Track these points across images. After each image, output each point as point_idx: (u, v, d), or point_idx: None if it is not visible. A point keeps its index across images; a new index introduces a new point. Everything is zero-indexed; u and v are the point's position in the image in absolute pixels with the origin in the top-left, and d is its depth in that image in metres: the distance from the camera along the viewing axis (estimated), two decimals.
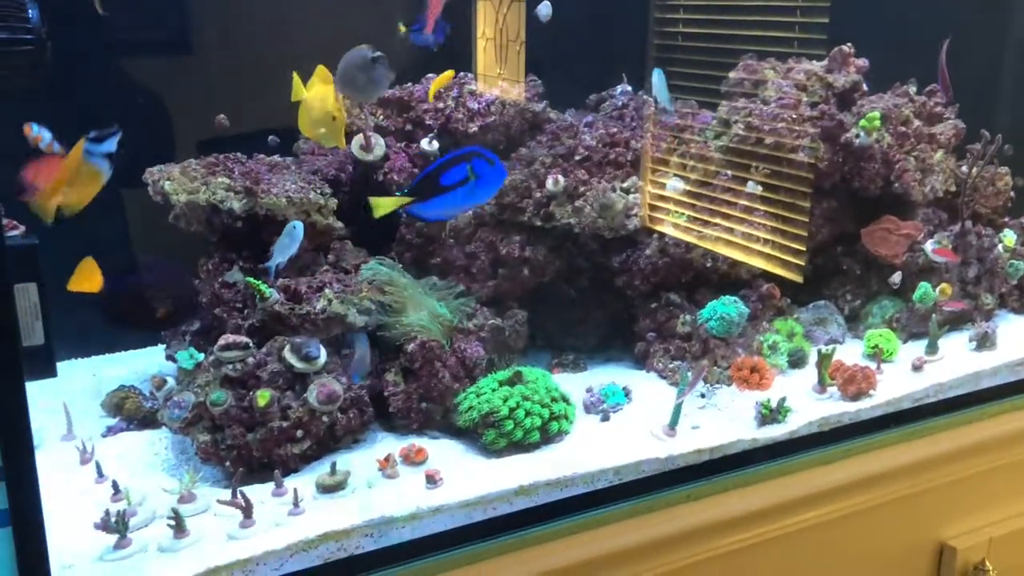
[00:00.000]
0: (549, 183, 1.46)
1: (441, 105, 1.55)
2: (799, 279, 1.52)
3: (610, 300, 1.58)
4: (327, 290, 1.31)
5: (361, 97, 1.40)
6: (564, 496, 1.22)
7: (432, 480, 1.18)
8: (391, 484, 1.20)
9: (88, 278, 1.19)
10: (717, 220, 1.51)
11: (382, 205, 1.28)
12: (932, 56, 1.80)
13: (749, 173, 1.53)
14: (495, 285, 1.48)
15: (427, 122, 1.54)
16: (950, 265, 1.59)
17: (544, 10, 1.45)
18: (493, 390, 1.31)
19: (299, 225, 1.29)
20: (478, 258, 1.48)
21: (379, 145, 1.48)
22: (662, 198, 1.54)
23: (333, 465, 1.20)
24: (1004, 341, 1.57)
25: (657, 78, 1.52)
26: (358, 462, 1.25)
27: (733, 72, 1.67)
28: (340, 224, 1.42)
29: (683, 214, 1.49)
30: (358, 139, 1.47)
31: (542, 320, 1.57)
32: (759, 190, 1.51)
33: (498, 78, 1.61)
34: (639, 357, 1.54)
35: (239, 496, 1.11)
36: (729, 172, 1.55)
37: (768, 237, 1.48)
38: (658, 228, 1.52)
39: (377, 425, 1.35)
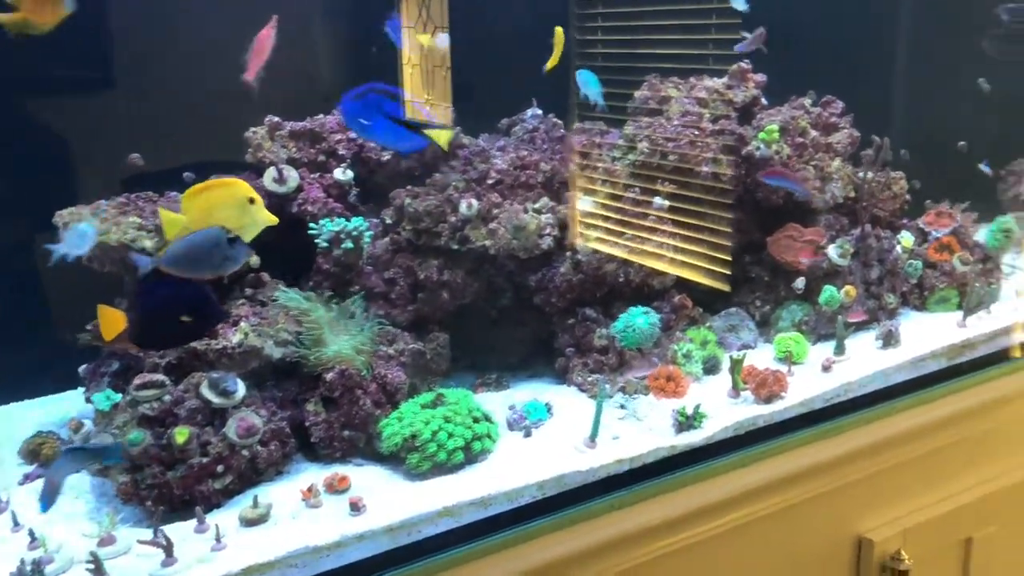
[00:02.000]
0: (463, 207, 1.49)
1: (353, 135, 1.56)
2: (726, 288, 1.57)
3: (530, 318, 1.61)
4: (243, 323, 1.31)
5: (208, 275, 1.19)
6: (488, 514, 1.23)
7: (356, 507, 1.19)
8: (315, 514, 1.20)
9: (111, 323, 1.14)
10: (641, 236, 1.55)
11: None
12: (828, 69, 1.89)
13: (657, 189, 1.58)
14: (415, 309, 1.50)
15: (340, 152, 1.56)
16: (853, 268, 1.66)
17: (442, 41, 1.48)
18: (415, 414, 1.32)
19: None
20: (397, 284, 1.50)
21: (292, 177, 1.49)
22: (591, 215, 1.58)
23: (255, 498, 1.20)
24: (908, 338, 1.64)
25: (583, 76, 1.55)
26: (281, 494, 1.25)
27: (638, 91, 1.73)
28: (256, 257, 1.42)
29: (596, 229, 1.53)
30: (270, 172, 1.48)
31: (465, 341, 1.59)
32: (666, 205, 1.56)
33: (425, 103, 1.63)
34: (560, 372, 1.57)
35: (160, 535, 1.11)
36: (638, 188, 1.59)
37: (692, 248, 1.53)
38: (590, 245, 1.55)
39: (301, 456, 1.35)
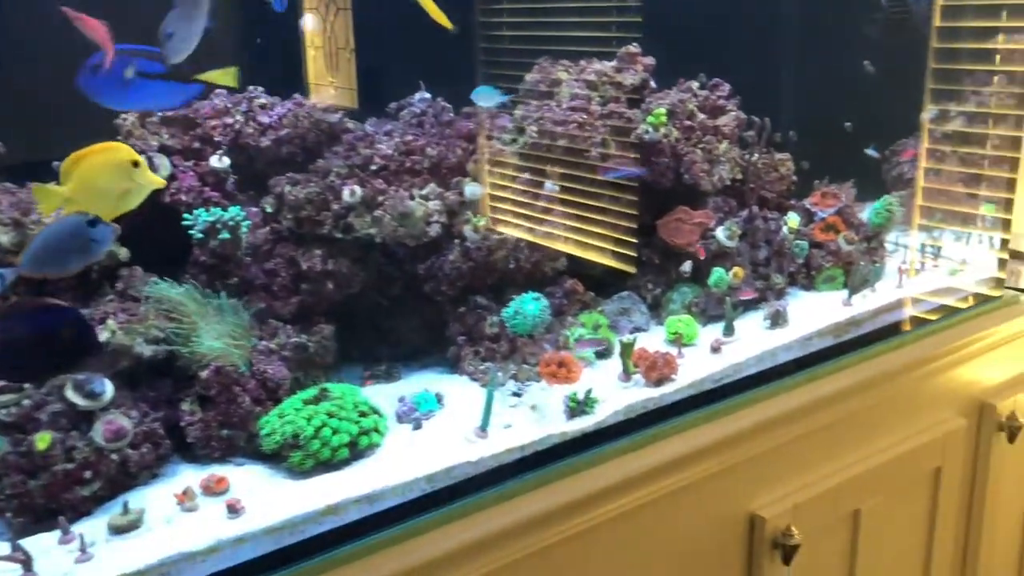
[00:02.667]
0: (346, 194, 1.44)
1: (230, 120, 1.50)
2: (632, 269, 1.57)
3: (422, 307, 1.58)
4: (110, 321, 1.24)
5: (77, 266, 1.11)
6: (375, 511, 1.20)
7: (234, 509, 1.14)
8: (190, 518, 1.14)
9: None
10: (533, 221, 1.54)
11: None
12: (717, 51, 1.91)
13: (547, 174, 1.57)
14: (299, 301, 1.45)
15: (216, 138, 1.49)
16: (741, 249, 1.67)
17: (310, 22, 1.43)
18: (297, 410, 1.27)
19: None
20: (278, 275, 1.44)
21: (164, 166, 1.41)
22: (481, 200, 1.56)
23: (125, 504, 1.13)
24: (795, 317, 1.67)
25: (480, 94, 1.52)
26: (155, 498, 1.18)
27: (529, 74, 1.71)
28: (125, 250, 1.35)
29: (483, 218, 1.50)
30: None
31: (354, 332, 1.54)
32: (557, 189, 1.54)
33: (330, 86, 1.59)
34: (452, 362, 1.54)
35: (17, 549, 1.04)
36: (528, 173, 1.58)
37: (591, 230, 1.53)
38: (480, 231, 1.53)
39: (178, 458, 1.29)
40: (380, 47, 1.60)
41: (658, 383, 1.46)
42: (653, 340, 1.59)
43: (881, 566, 1.64)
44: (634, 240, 1.61)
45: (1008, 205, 1.85)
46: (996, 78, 1.91)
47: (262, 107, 1.54)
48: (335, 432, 1.26)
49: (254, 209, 1.48)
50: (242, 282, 1.43)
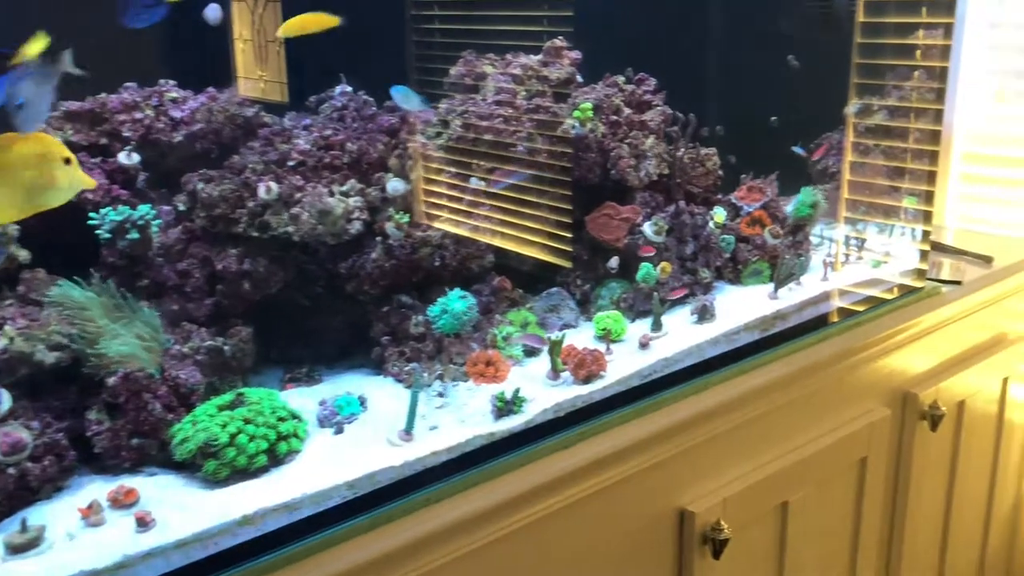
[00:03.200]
0: (261, 191, 1.39)
1: (139, 115, 1.44)
2: (568, 264, 1.55)
3: (345, 307, 1.54)
4: (7, 327, 1.17)
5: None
6: (293, 520, 1.16)
7: (143, 523, 1.08)
8: (96, 533, 1.08)
9: None
10: (458, 216, 1.51)
11: None
12: (646, 46, 1.90)
13: (473, 169, 1.54)
14: (214, 303, 1.40)
15: (124, 134, 1.43)
16: (668, 244, 1.67)
17: (212, 13, 1.38)
18: (211, 416, 1.22)
19: None
20: (192, 275, 1.39)
21: None
22: (405, 197, 1.52)
23: (23, 521, 1.07)
24: (722, 311, 1.67)
25: (399, 93, 1.48)
26: (58, 513, 1.12)
27: (453, 68, 1.68)
28: (25, 252, 1.28)
29: (407, 215, 1.47)
30: None
31: (274, 334, 1.50)
32: (482, 185, 1.52)
33: (259, 80, 1.53)
34: (376, 362, 1.50)
35: None
36: (453, 168, 1.55)
37: (526, 227, 1.51)
38: (404, 228, 1.49)
39: (85, 469, 1.23)
40: (310, 40, 1.55)
41: (587, 380, 1.44)
42: (582, 337, 1.58)
43: (809, 556, 1.66)
44: (563, 235, 1.59)
45: (929, 198, 1.89)
46: (917, 73, 1.95)
47: (174, 101, 1.47)
48: (252, 439, 1.21)
49: (166, 208, 1.43)
50: (153, 284, 1.37)
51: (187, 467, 1.23)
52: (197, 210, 1.41)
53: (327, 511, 1.18)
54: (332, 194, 1.42)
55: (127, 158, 1.40)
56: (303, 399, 1.39)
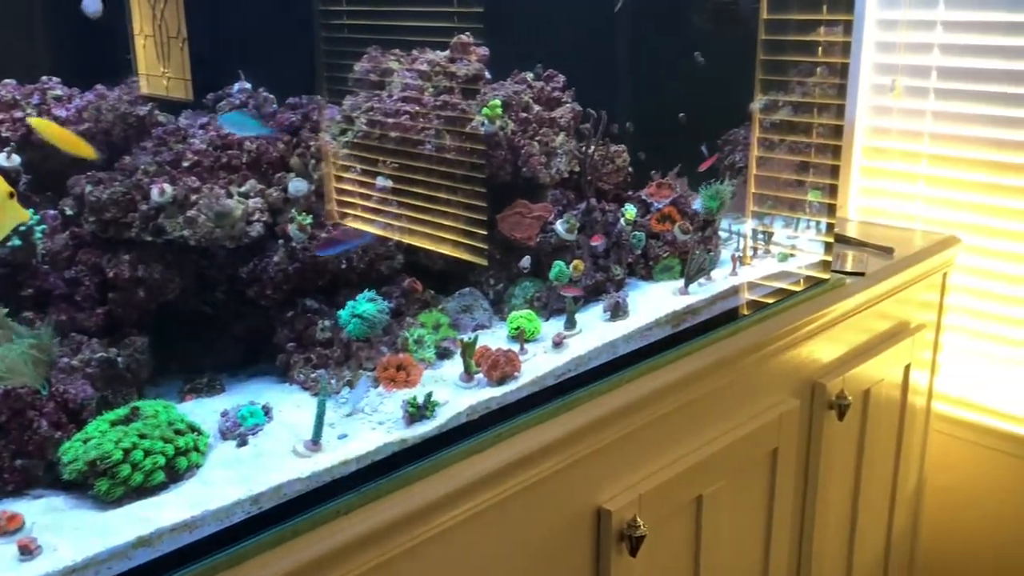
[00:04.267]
0: (155, 193, 1.32)
1: (20, 114, 1.35)
2: (483, 261, 1.52)
3: (249, 312, 1.48)
4: None
5: None
6: (194, 539, 1.10)
7: (27, 550, 1.01)
8: None
9: None
10: (367, 216, 1.46)
11: None
12: (555, 43, 1.89)
13: (380, 168, 1.50)
14: (106, 312, 1.32)
15: (3, 134, 1.34)
16: (580, 242, 1.66)
17: (91, 6, 1.31)
18: (103, 433, 1.15)
19: None
20: (81, 284, 1.31)
21: None
22: (309, 197, 1.47)
23: None
24: (635, 308, 1.67)
25: (229, 120, 1.41)
26: None
27: (358, 64, 1.63)
28: None
29: (308, 216, 1.41)
30: None
31: (173, 343, 1.43)
32: (389, 184, 1.48)
33: (162, 76, 1.46)
34: (281, 370, 1.45)
35: None
36: (359, 167, 1.50)
37: (438, 225, 1.48)
38: (308, 229, 1.44)
39: None
40: (216, 36, 1.49)
41: (501, 382, 1.42)
42: (497, 337, 1.56)
43: (724, 548, 1.68)
44: (476, 233, 1.57)
45: (832, 191, 1.93)
46: (819, 69, 1.98)
47: (58, 99, 1.39)
48: (147, 454, 1.15)
49: (51, 212, 1.34)
50: (39, 293, 1.29)
51: (78, 487, 1.16)
52: (85, 214, 1.33)
53: (230, 528, 1.13)
54: (230, 195, 1.36)
55: (6, 160, 1.32)
56: (204, 411, 1.33)
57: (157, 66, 1.49)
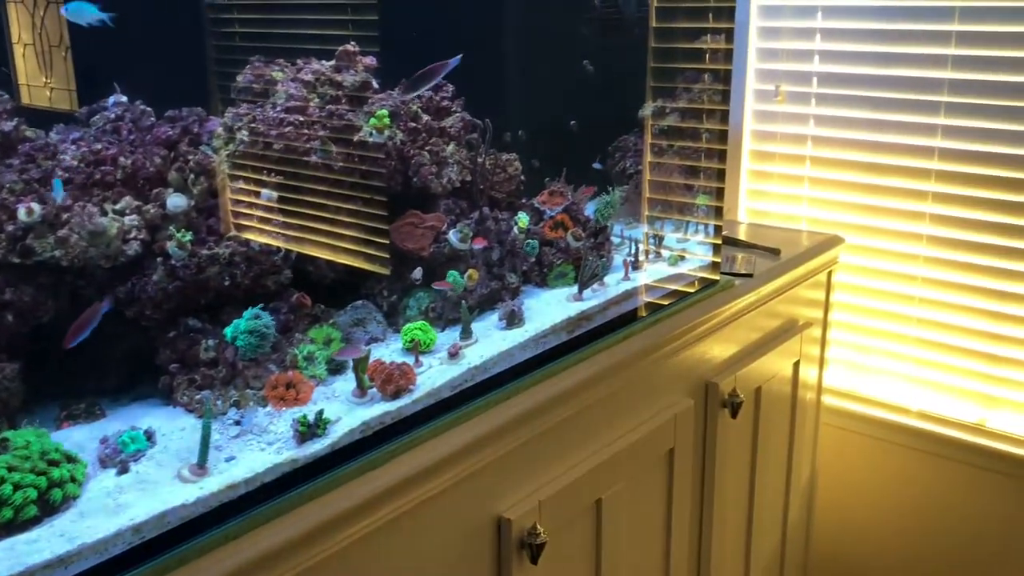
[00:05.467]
0: (21, 213, 1.26)
1: None
2: (386, 270, 1.50)
3: (128, 333, 1.42)
4: None
5: None
6: (70, 575, 1.05)
7: None
8: None
9: None
10: (253, 230, 1.43)
11: None
12: (447, 52, 1.88)
13: (264, 180, 1.46)
14: None
15: None
16: (474, 252, 1.66)
17: None
18: None
19: None
20: None
21: None
22: (187, 213, 1.42)
23: None
24: (531, 315, 1.68)
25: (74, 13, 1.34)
26: None
27: (240, 75, 1.59)
28: None
29: (188, 233, 1.37)
30: None
31: (48, 368, 1.36)
32: (275, 197, 1.44)
33: (45, 87, 1.38)
34: (164, 392, 1.40)
35: None
36: (242, 181, 1.46)
37: (325, 238, 1.45)
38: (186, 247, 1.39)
39: None
40: (103, 45, 1.43)
41: (395, 396, 1.40)
42: (391, 350, 1.54)
43: (625, 551, 1.70)
44: (368, 244, 1.55)
45: (719, 195, 1.98)
46: (706, 76, 2.04)
47: None
48: (17, 488, 1.09)
49: None
50: None
51: None
52: None
53: (109, 561, 1.08)
54: (105, 213, 1.31)
55: None
56: (84, 437, 1.27)
57: (39, 76, 1.43)
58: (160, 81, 1.57)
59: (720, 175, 1.99)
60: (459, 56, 1.55)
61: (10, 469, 1.10)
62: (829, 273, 2.36)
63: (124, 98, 1.52)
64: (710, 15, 2.01)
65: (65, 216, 1.28)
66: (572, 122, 2.05)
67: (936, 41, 2.32)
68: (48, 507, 1.12)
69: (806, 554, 2.52)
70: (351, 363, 1.42)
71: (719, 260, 1.99)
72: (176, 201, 1.37)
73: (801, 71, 2.56)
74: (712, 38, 2.01)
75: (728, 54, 1.99)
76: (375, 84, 1.67)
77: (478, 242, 1.64)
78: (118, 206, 1.33)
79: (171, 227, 1.35)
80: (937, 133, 2.35)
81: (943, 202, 2.37)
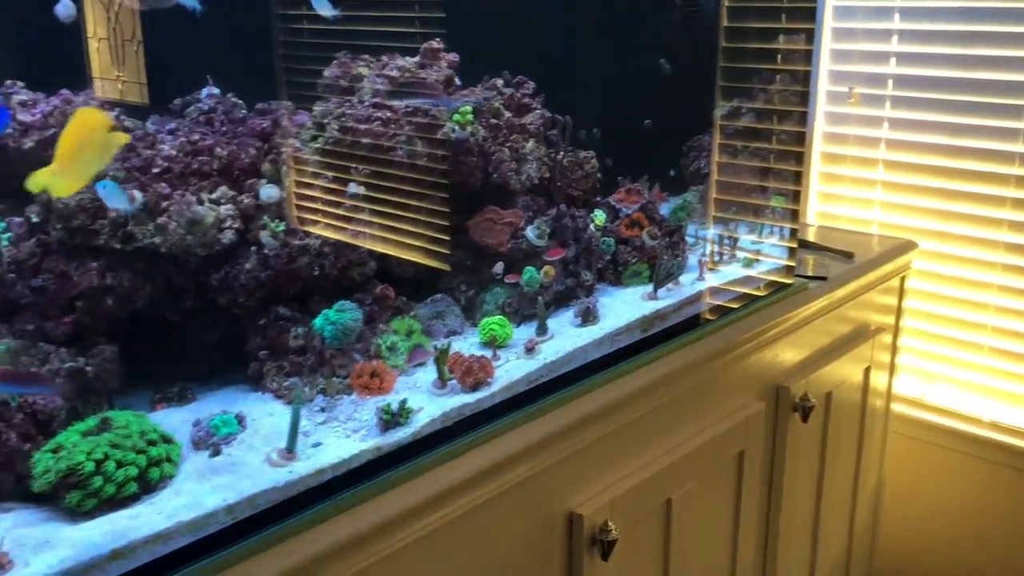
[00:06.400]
0: None
1: None
2: (446, 267, 1.52)
3: (220, 320, 1.46)
4: None
5: None
6: (168, 551, 1.09)
7: None
8: None
9: None
10: (339, 224, 1.46)
11: None
12: (519, 49, 1.90)
13: (351, 175, 1.49)
14: (74, 321, 1.30)
15: None
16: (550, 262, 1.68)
17: (64, 10, 1.29)
18: (74, 444, 1.14)
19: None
20: (48, 292, 1.29)
21: None
22: (282, 204, 1.46)
23: None
24: (605, 313, 1.69)
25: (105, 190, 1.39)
26: None
27: (327, 70, 1.63)
28: None
29: (281, 223, 1.41)
30: None
31: (142, 352, 1.40)
32: (362, 192, 1.47)
33: (117, 80, 1.44)
34: (254, 378, 1.44)
35: None
36: (330, 174, 1.50)
37: (409, 232, 1.47)
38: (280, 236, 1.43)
39: None
40: (172, 41, 1.47)
41: (474, 388, 1.42)
42: (469, 343, 1.56)
43: (693, 550, 1.70)
44: (446, 241, 1.57)
45: (796, 197, 1.96)
46: (779, 76, 2.02)
47: (23, 104, 1.37)
48: (120, 465, 1.13)
49: (17, 219, 1.32)
50: (5, 302, 1.26)
51: (48, 500, 1.14)
52: (52, 221, 1.31)
53: (204, 539, 1.12)
54: (202, 202, 1.35)
55: None
56: (175, 421, 1.31)
57: (112, 70, 1.48)
58: (228, 75, 1.61)
59: (796, 177, 1.97)
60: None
61: (113, 447, 1.14)
62: (902, 278, 2.33)
63: (216, 90, 1.57)
64: (783, 15, 2.00)
65: (164, 204, 1.33)
66: (647, 120, 2.05)
67: (1020, 43, 2.27)
68: (147, 485, 1.16)
69: (871, 562, 2.49)
70: (433, 355, 1.44)
71: (793, 263, 1.98)
72: (269, 192, 1.41)
73: (876, 73, 2.52)
74: (786, 39, 1.99)
75: (808, 55, 1.97)
76: (457, 81, 1.69)
77: (554, 253, 1.65)
78: (214, 195, 1.37)
79: (265, 217, 1.39)
80: (1019, 138, 2.30)
81: (1023, 209, 2.32)
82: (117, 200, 1.26)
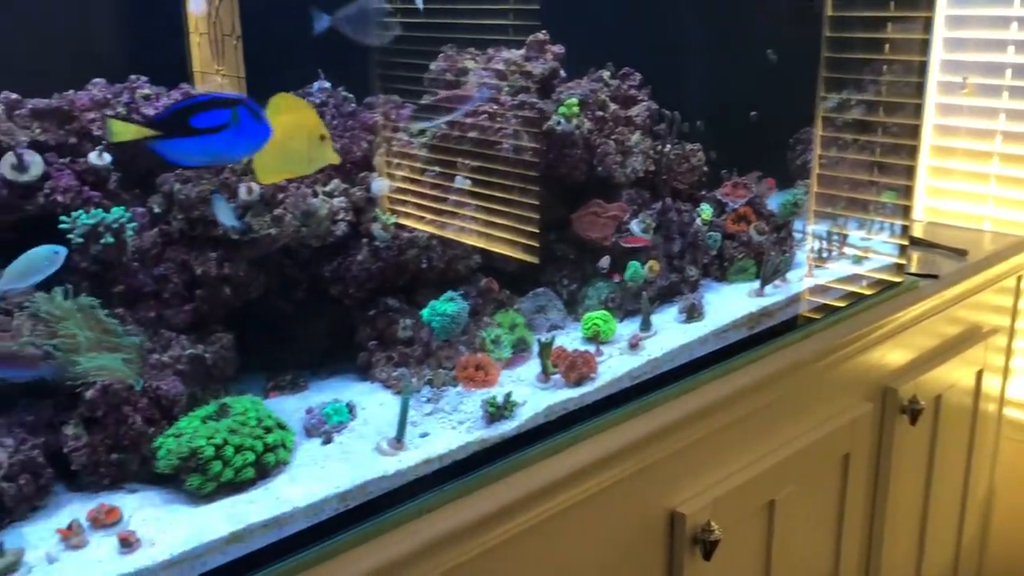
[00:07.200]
0: (242, 192, 1.34)
1: (111, 113, 1.37)
2: (535, 260, 1.52)
3: (330, 311, 1.49)
4: None
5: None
6: (284, 535, 1.12)
7: (127, 543, 1.04)
8: (78, 555, 1.03)
9: None
10: (443, 216, 1.47)
11: (120, 132, 1.15)
12: (620, 41, 1.87)
13: (457, 168, 1.50)
14: (193, 309, 1.34)
15: (95, 133, 1.36)
16: (655, 243, 1.65)
17: (196, 5, 1.32)
18: (195, 429, 1.18)
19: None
20: (170, 281, 1.33)
21: (35, 163, 1.28)
22: (390, 197, 1.48)
23: (0, 544, 1.02)
24: (710, 309, 1.66)
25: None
26: (36, 535, 1.07)
27: (434, 63, 1.64)
28: None
29: (392, 216, 1.42)
30: (8, 158, 1.27)
31: (256, 340, 1.44)
32: (468, 184, 1.48)
33: (216, 74, 1.48)
34: (363, 368, 1.46)
35: None
36: (438, 167, 1.51)
37: (501, 223, 1.48)
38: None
39: (63, 487, 1.18)
40: (269, 34, 1.50)
41: (578, 383, 1.42)
42: (571, 338, 1.56)
43: (795, 553, 1.66)
44: (550, 235, 1.57)
45: (908, 192, 1.89)
46: (885, 67, 1.94)
47: (146, 98, 1.41)
48: (238, 450, 1.16)
49: (140, 209, 1.36)
50: (129, 290, 1.31)
51: (169, 482, 1.18)
52: (174, 212, 1.35)
53: (319, 525, 1.15)
54: (316, 195, 1.38)
55: (98, 158, 1.34)
56: (288, 408, 1.34)
57: (211, 64, 1.51)
58: (325, 69, 1.63)
59: (909, 172, 1.90)
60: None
61: (232, 432, 1.17)
62: (1019, 278, 2.22)
63: (328, 84, 1.59)
64: (892, 3, 1.92)
65: (280, 196, 1.36)
66: (752, 113, 2.00)
67: None
68: (263, 470, 1.19)
69: (979, 572, 2.40)
70: (536, 348, 1.44)
71: (904, 261, 1.91)
72: (380, 184, 1.43)
73: (993, 62, 2.40)
74: (901, 27, 1.92)
75: (924, 44, 1.89)
76: (563, 73, 1.68)
77: (633, 241, 1.62)
78: (327, 188, 1.39)
79: (376, 210, 1.41)
80: None
81: None
82: (224, 216, 1.30)
